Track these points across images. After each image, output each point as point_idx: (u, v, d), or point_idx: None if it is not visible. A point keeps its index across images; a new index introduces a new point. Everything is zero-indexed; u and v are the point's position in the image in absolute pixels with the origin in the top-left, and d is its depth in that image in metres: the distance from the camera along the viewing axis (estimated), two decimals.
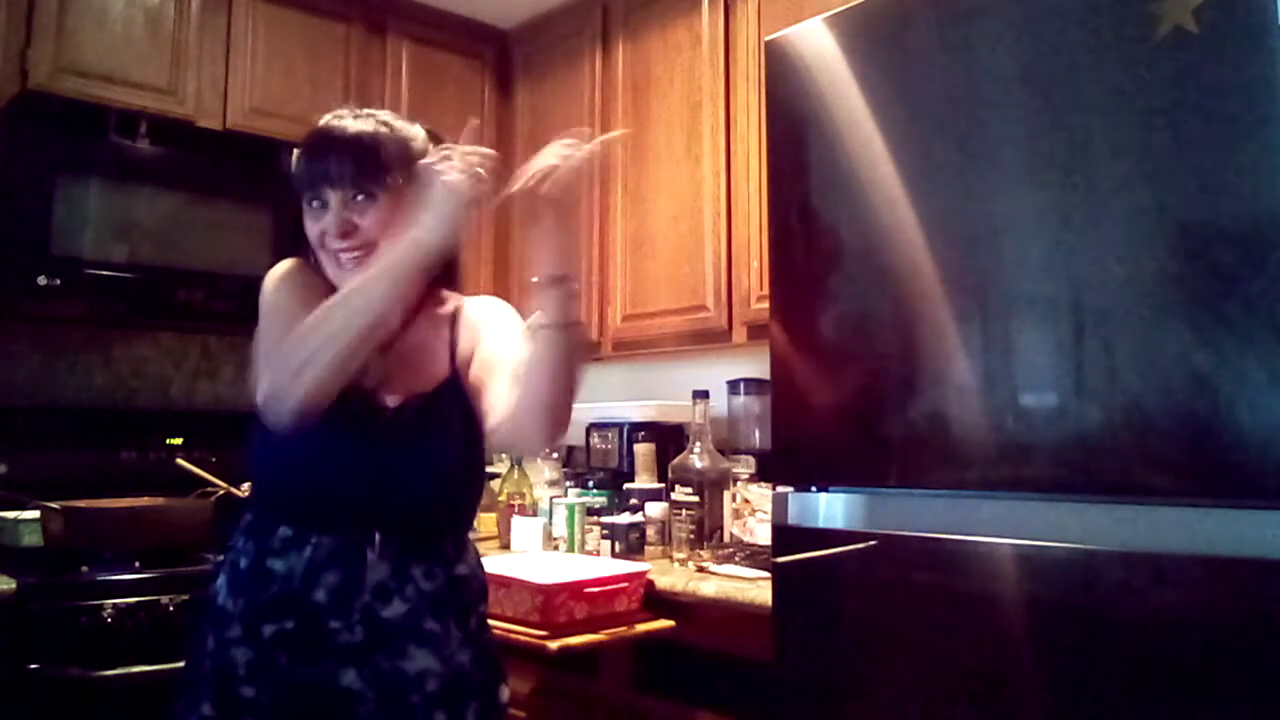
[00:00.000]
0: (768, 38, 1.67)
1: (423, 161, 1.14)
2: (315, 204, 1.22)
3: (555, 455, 2.79)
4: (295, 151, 1.27)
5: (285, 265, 1.30)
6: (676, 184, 2.42)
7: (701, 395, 2.24)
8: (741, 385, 2.42)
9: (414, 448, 1.22)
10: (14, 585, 1.71)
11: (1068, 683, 1.22)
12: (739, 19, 2.29)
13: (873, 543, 1.42)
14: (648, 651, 1.91)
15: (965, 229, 1.37)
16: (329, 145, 1.21)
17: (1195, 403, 1.14)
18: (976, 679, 1.31)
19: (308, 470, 1.22)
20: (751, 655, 1.67)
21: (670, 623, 1.87)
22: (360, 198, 1.20)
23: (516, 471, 2.58)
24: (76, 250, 2.10)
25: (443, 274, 1.30)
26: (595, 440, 2.73)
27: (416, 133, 1.27)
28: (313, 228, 1.22)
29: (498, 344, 1.25)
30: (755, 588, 1.73)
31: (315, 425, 1.18)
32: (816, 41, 1.57)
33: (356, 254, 1.21)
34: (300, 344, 1.11)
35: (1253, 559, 1.09)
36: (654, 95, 2.51)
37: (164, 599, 1.82)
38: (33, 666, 1.68)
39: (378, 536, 1.18)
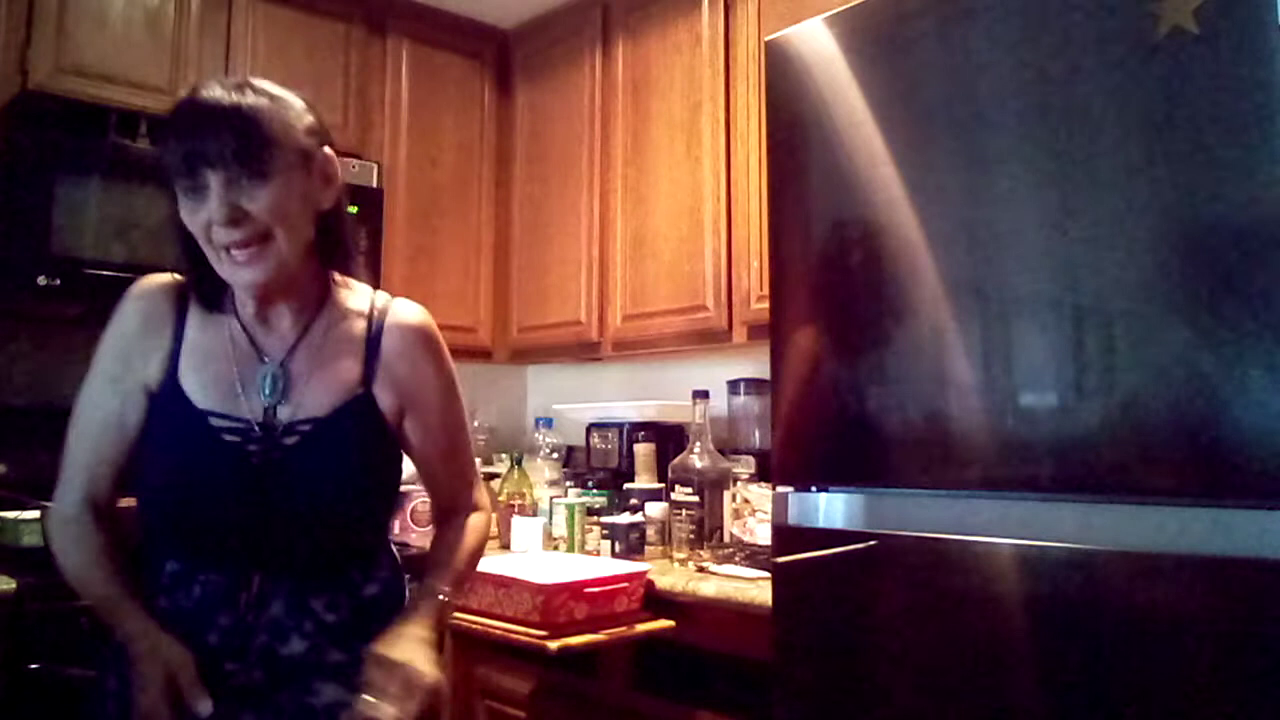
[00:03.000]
0: (768, 38, 1.67)
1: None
2: (192, 190, 1.03)
3: (555, 455, 2.79)
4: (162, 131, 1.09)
5: (131, 296, 1.16)
6: (676, 184, 2.42)
7: (701, 395, 2.24)
8: (741, 385, 2.42)
9: (302, 479, 1.09)
10: (14, 585, 1.71)
11: (1067, 682, 1.22)
12: (739, 19, 2.29)
13: (873, 543, 1.42)
14: (648, 651, 1.91)
15: (965, 228, 1.37)
16: (204, 118, 1.03)
17: (1195, 403, 1.14)
18: (976, 678, 1.31)
19: (186, 499, 1.10)
20: (751, 655, 1.67)
21: (670, 623, 1.87)
22: (247, 179, 1.02)
23: (516, 471, 2.58)
24: (76, 250, 2.10)
25: (328, 252, 1.16)
26: (595, 440, 2.73)
27: (296, 101, 1.12)
28: (194, 219, 1.04)
29: (430, 443, 1.22)
30: (755, 588, 1.73)
31: (193, 443, 1.09)
32: (816, 41, 1.57)
33: (249, 249, 1.04)
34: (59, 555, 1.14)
35: (1253, 559, 1.09)
36: (654, 95, 2.51)
37: None
38: (33, 666, 1.68)
39: (257, 578, 1.08)
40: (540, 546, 2.34)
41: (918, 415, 1.40)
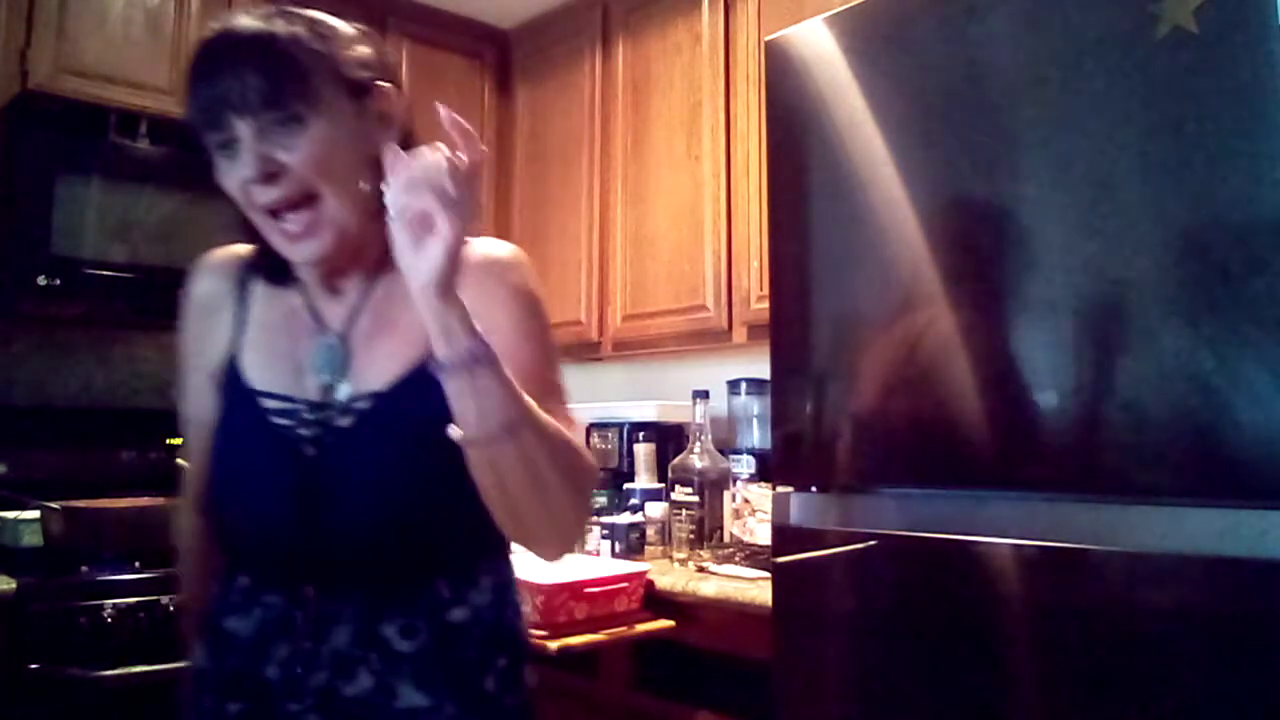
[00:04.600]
0: (768, 38, 1.67)
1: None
2: (223, 146, 0.86)
3: None
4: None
5: (193, 274, 1.04)
6: (676, 184, 2.42)
7: (701, 395, 2.24)
8: (742, 385, 2.41)
9: (359, 467, 0.89)
10: (14, 585, 1.71)
11: (1067, 682, 1.22)
12: (739, 19, 2.29)
13: (873, 543, 1.42)
14: (648, 651, 1.91)
15: (965, 229, 1.37)
16: (226, 54, 0.85)
17: (1195, 403, 1.14)
18: (976, 679, 1.31)
19: (236, 497, 0.94)
20: (751, 655, 1.67)
21: (670, 623, 1.87)
22: (279, 124, 0.85)
23: None
24: (76, 250, 2.10)
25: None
26: (595, 440, 2.73)
27: (344, 29, 0.92)
28: (229, 179, 0.87)
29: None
30: (755, 588, 1.73)
31: (243, 428, 0.94)
32: (816, 41, 1.57)
33: (297, 214, 0.87)
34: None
35: (1253, 559, 1.09)
36: (654, 95, 2.51)
37: (164, 599, 1.82)
38: (33, 666, 1.68)
39: (313, 597, 0.89)
40: None
41: (918, 415, 1.40)
